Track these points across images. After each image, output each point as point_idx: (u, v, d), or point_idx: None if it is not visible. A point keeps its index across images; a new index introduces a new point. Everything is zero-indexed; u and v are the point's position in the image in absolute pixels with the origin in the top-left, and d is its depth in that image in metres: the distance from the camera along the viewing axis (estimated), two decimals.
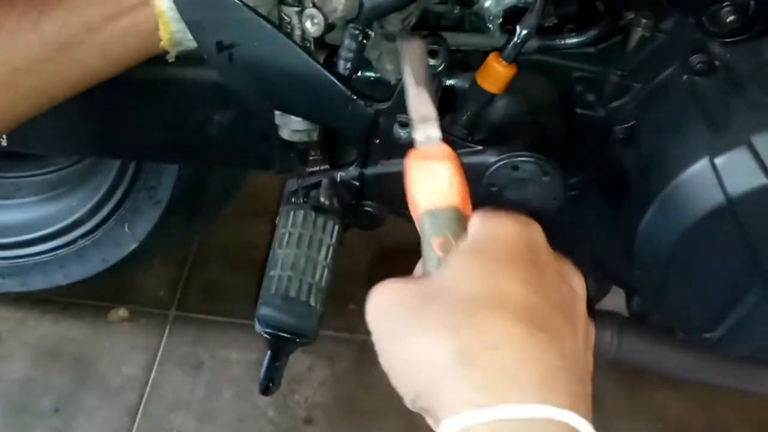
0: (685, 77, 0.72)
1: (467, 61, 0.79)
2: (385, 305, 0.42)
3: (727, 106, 0.67)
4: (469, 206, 0.45)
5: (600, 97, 0.81)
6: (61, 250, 1.21)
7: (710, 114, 0.68)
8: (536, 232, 0.44)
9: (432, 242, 0.43)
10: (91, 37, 0.66)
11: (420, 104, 0.49)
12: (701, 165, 0.65)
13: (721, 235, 0.67)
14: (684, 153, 0.67)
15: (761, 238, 0.66)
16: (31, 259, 1.23)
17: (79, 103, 0.88)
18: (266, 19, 0.67)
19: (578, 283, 0.44)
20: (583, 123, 0.81)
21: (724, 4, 0.69)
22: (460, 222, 0.44)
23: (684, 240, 0.68)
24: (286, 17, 0.69)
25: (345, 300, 1.32)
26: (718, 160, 0.64)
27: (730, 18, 0.68)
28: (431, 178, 0.45)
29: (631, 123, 0.77)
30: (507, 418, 0.36)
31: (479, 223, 0.43)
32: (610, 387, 1.32)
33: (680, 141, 0.69)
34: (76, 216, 1.18)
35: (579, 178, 0.85)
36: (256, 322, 0.66)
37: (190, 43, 0.68)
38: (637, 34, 0.77)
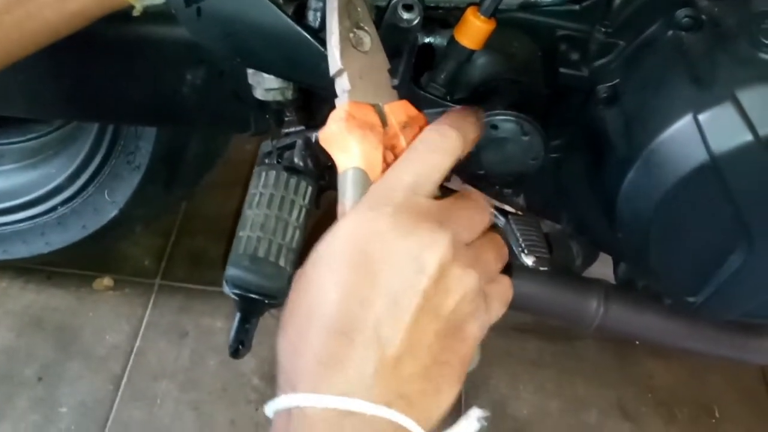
0: (670, 33, 0.69)
1: (446, 18, 0.76)
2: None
3: (713, 61, 0.65)
4: (379, 158, 0.47)
5: (584, 56, 0.78)
6: (41, 218, 1.19)
7: (695, 69, 0.65)
8: (373, 224, 0.43)
9: (338, 207, 0.47)
10: None
11: (332, 59, 0.53)
12: (684, 122, 0.63)
13: (704, 194, 0.65)
14: (667, 110, 0.65)
15: (745, 197, 0.64)
16: (11, 227, 1.21)
17: (49, 63, 0.86)
18: None
19: (430, 255, 0.42)
20: (566, 83, 0.78)
21: None
22: (362, 183, 0.46)
23: (666, 200, 0.66)
24: None
25: None
26: (701, 117, 0.62)
27: None
28: (335, 143, 0.48)
29: (615, 82, 0.75)
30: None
31: (340, 226, 0.45)
32: (599, 357, 1.31)
33: (664, 98, 0.66)
34: (55, 183, 1.16)
35: (562, 140, 0.83)
36: (224, 283, 0.65)
37: None
38: None
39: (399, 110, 0.52)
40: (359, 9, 0.61)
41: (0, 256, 1.24)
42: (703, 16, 0.69)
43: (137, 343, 1.30)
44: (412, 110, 0.52)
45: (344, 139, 0.48)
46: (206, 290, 1.37)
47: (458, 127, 0.48)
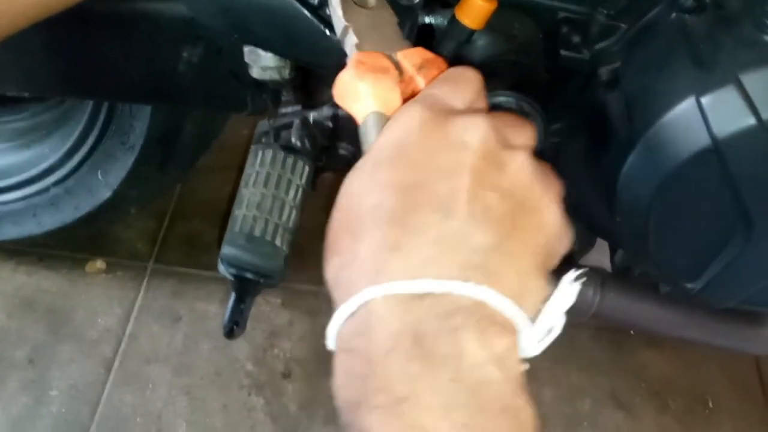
0: (673, 15, 0.69)
1: None
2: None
3: (716, 43, 0.64)
4: (397, 97, 0.45)
5: (585, 39, 0.77)
6: (33, 198, 1.18)
7: (698, 52, 0.64)
8: (405, 125, 0.42)
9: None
10: None
11: (336, 20, 0.52)
12: (687, 105, 0.62)
13: (705, 178, 0.64)
14: (669, 93, 0.64)
15: (746, 182, 0.63)
16: (2, 207, 1.19)
17: (44, 39, 0.85)
18: None
19: (472, 135, 0.41)
20: (567, 65, 0.78)
21: None
22: (381, 125, 0.44)
23: (667, 184, 0.66)
24: None
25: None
26: (704, 99, 0.61)
27: None
28: (349, 94, 0.46)
29: (617, 65, 0.74)
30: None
31: (380, 135, 0.43)
32: (593, 345, 1.31)
33: (666, 80, 0.66)
34: (48, 163, 1.15)
35: (562, 123, 0.82)
36: (219, 262, 0.64)
37: None
38: None
39: (413, 55, 0.49)
40: None
41: None
42: None
43: (129, 327, 1.29)
44: (429, 54, 0.49)
45: (356, 87, 0.45)
46: (200, 274, 1.35)
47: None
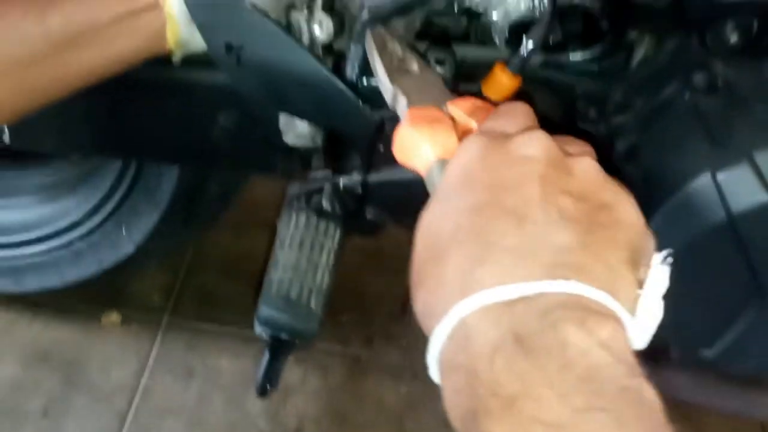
0: (687, 94, 0.73)
1: (473, 73, 0.79)
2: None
3: (730, 123, 0.68)
4: (455, 142, 0.47)
5: (602, 113, 0.82)
6: (57, 252, 1.20)
7: (712, 131, 0.68)
8: (468, 154, 0.44)
9: None
10: (96, 35, 0.65)
11: (384, 88, 0.55)
12: (703, 180, 0.66)
13: (721, 249, 0.67)
14: (685, 168, 0.68)
15: (761, 254, 0.66)
16: (26, 260, 1.22)
17: (84, 101, 0.88)
18: (275, 21, 0.67)
19: (533, 149, 0.43)
20: (585, 138, 0.81)
21: (727, 23, 0.69)
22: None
23: (684, 255, 0.68)
24: (295, 22, 0.69)
25: (338, 312, 1.32)
26: (720, 176, 0.65)
27: (733, 37, 0.69)
28: (409, 148, 0.48)
29: (633, 139, 0.78)
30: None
31: (445, 171, 0.45)
32: None
33: (682, 156, 0.69)
34: (74, 217, 1.18)
35: None
36: (256, 323, 0.66)
37: (196, 44, 0.68)
38: (641, 51, 0.78)
39: (463, 103, 0.51)
40: (392, 45, 0.64)
41: (13, 288, 1.24)
42: (719, 80, 0.72)
43: (144, 380, 1.30)
44: (478, 101, 0.52)
45: (415, 139, 0.47)
46: (214, 329, 1.37)
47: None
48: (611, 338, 0.38)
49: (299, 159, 0.82)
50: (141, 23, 0.66)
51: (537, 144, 0.43)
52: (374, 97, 0.71)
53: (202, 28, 0.68)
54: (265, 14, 0.67)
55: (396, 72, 0.57)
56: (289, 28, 0.70)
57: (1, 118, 0.70)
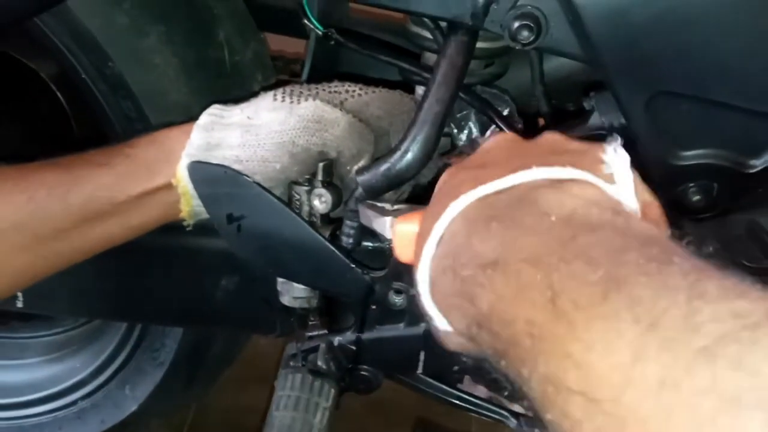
0: None
1: None
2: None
3: None
4: None
5: None
6: (61, 411, 1.21)
7: None
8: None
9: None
10: (114, 211, 0.71)
11: (375, 223, 0.63)
12: None
13: None
14: None
15: None
16: (30, 420, 1.23)
17: (94, 268, 0.94)
18: (273, 195, 0.73)
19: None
20: None
21: (690, 185, 0.75)
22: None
23: None
24: (296, 195, 0.75)
25: None
26: None
27: (696, 197, 0.74)
28: (406, 236, 0.53)
29: None
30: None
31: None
32: None
33: None
34: (78, 377, 1.20)
35: None
36: None
37: (207, 214, 0.74)
38: None
39: None
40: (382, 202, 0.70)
41: None
42: (689, 237, 0.77)
43: None
44: None
45: (409, 228, 0.53)
46: None
47: None
48: (583, 190, 0.41)
49: (297, 319, 0.86)
50: (157, 199, 0.72)
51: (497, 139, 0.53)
52: (366, 262, 0.77)
53: (205, 200, 0.74)
54: (263, 187, 0.72)
55: (379, 210, 0.64)
56: (290, 200, 0.76)
57: (23, 284, 0.74)
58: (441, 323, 0.45)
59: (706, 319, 0.29)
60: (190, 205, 0.73)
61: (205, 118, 0.71)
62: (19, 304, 0.96)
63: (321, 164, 0.72)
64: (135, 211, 0.72)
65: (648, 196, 0.47)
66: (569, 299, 0.34)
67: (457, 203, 0.43)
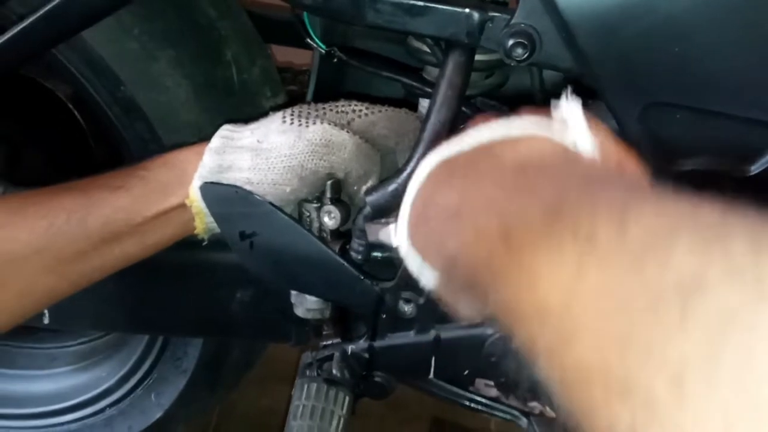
0: None
1: None
2: None
3: None
4: None
5: None
6: (89, 419, 1.25)
7: None
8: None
9: None
10: (131, 231, 0.74)
11: (382, 235, 0.67)
12: None
13: None
14: None
15: None
16: (60, 428, 1.27)
17: (116, 286, 0.98)
18: (283, 212, 0.76)
19: None
20: None
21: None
22: None
23: None
24: (306, 212, 0.77)
25: None
26: None
27: None
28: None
29: None
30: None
31: None
32: None
33: None
34: (105, 386, 1.24)
35: None
36: None
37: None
38: None
39: None
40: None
41: None
42: None
43: None
44: None
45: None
46: None
47: None
48: (538, 142, 0.47)
49: (311, 329, 0.89)
50: (172, 219, 0.75)
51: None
52: (376, 272, 0.79)
53: (218, 219, 0.76)
54: (274, 205, 0.75)
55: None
56: (300, 217, 0.78)
57: (48, 303, 0.77)
58: (424, 270, 0.52)
59: (636, 232, 0.32)
60: (203, 222, 0.76)
61: (216, 141, 0.74)
62: (46, 321, 0.99)
63: (329, 182, 0.74)
64: (151, 230, 0.75)
65: (608, 140, 0.51)
66: (518, 234, 0.39)
67: (425, 165, 0.51)
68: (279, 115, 0.75)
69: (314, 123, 0.72)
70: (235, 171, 0.72)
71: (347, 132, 0.72)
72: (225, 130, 0.75)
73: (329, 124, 0.72)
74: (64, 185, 0.76)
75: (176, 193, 0.74)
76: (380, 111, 0.77)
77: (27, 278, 0.72)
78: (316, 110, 0.75)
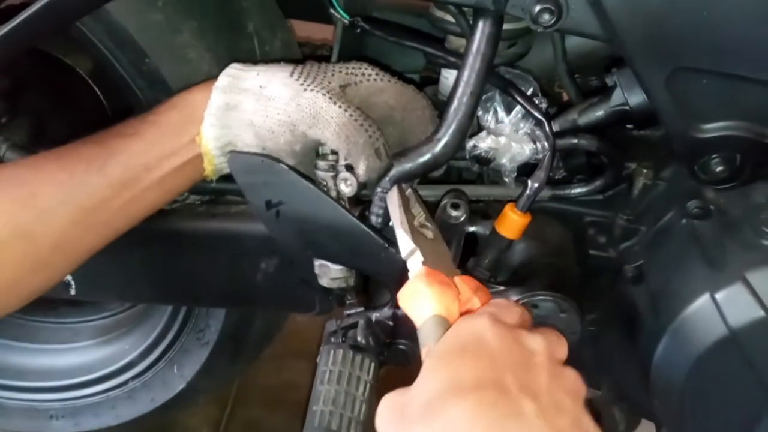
0: (684, 221, 0.80)
1: (487, 211, 0.88)
2: (383, 414, 0.53)
3: (722, 246, 0.74)
4: (456, 309, 0.57)
5: (610, 239, 0.89)
6: (113, 392, 1.27)
7: (708, 253, 0.75)
8: (479, 325, 0.54)
9: (422, 353, 0.54)
10: (149, 175, 0.75)
11: (403, 244, 0.64)
12: (703, 300, 0.72)
13: (729, 363, 0.72)
14: (687, 290, 0.74)
15: (764, 366, 0.71)
16: (84, 400, 1.29)
17: (141, 257, 0.99)
18: (310, 180, 0.76)
19: (537, 343, 0.55)
20: (595, 263, 0.88)
21: (713, 156, 0.77)
22: (444, 327, 0.54)
23: (695, 370, 0.73)
24: (322, 181, 0.77)
25: None
26: (718, 296, 0.71)
27: (719, 168, 0.76)
28: (416, 299, 0.56)
29: (640, 263, 0.84)
30: None
31: (450, 329, 0.55)
32: None
33: (683, 279, 0.76)
34: (128, 359, 1.26)
35: (596, 314, 0.91)
36: None
37: (227, 169, 0.77)
38: (640, 182, 0.86)
39: (469, 280, 0.61)
40: (416, 209, 0.73)
41: (71, 429, 1.31)
42: (711, 206, 0.79)
43: None
44: (478, 282, 0.61)
45: (425, 293, 0.56)
46: None
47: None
48: None
49: (335, 298, 0.90)
50: (183, 159, 0.75)
51: (541, 342, 0.55)
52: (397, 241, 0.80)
53: (245, 188, 0.77)
54: (301, 173, 0.75)
55: (415, 232, 0.66)
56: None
57: (80, 259, 0.77)
58: None
59: None
60: (212, 164, 0.76)
61: (223, 79, 0.75)
62: (72, 292, 1.01)
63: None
64: (169, 174, 0.76)
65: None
66: None
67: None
68: (289, 67, 0.76)
69: (312, 90, 0.72)
70: (241, 111, 0.74)
71: (339, 105, 0.71)
72: (232, 69, 0.76)
73: (325, 94, 0.72)
74: (80, 140, 0.77)
75: (189, 131, 0.75)
76: (389, 80, 0.77)
77: (56, 231, 0.72)
78: (325, 71, 0.75)
